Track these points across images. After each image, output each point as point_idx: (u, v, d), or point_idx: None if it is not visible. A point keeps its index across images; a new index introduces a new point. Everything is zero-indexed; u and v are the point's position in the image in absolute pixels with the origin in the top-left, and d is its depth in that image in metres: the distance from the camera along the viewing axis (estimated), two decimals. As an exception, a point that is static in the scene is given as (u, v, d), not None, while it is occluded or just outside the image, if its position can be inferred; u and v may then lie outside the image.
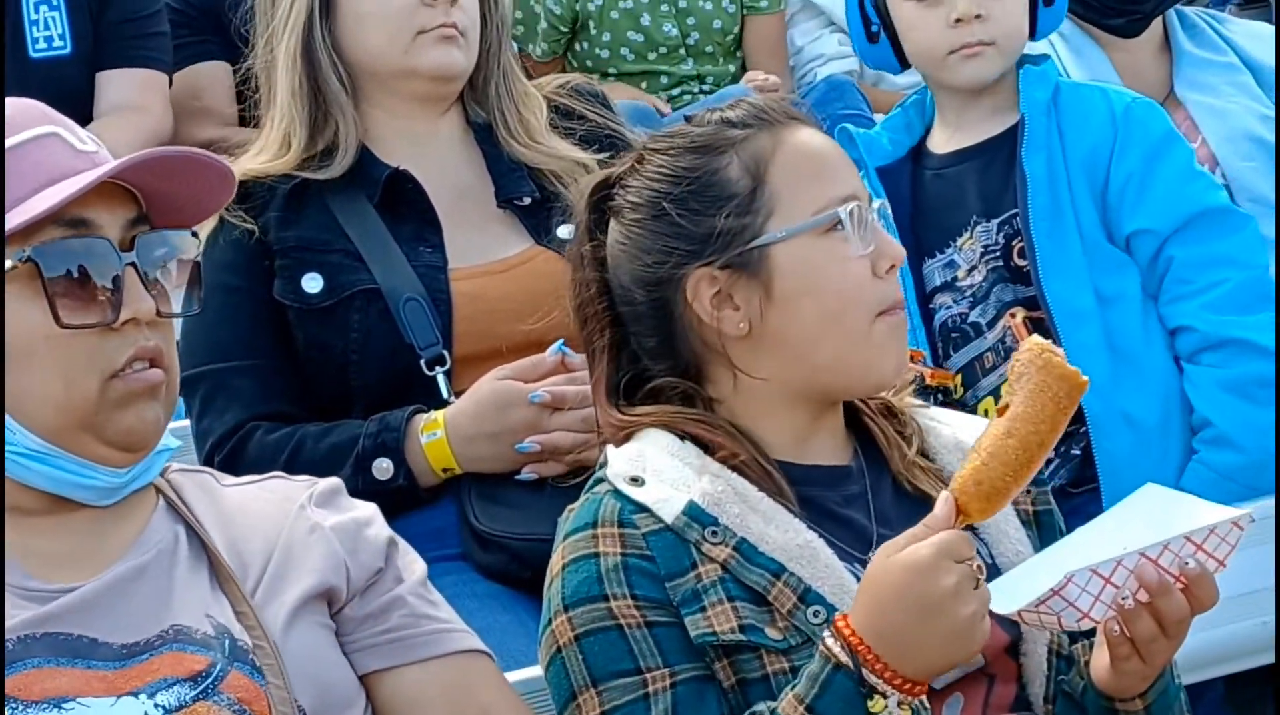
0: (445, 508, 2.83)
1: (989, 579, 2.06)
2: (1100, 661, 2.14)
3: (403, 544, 2.23)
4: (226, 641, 2.03)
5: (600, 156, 2.95)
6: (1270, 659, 2.99)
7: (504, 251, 2.93)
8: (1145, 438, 3.12)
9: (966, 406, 3.15)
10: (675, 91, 5.16)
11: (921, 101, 3.35)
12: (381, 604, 2.16)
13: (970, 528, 2.13)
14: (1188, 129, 3.70)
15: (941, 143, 3.29)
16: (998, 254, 3.19)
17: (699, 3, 5.15)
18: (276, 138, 2.95)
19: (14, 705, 1.93)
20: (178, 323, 2.31)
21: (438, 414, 2.79)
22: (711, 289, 2.21)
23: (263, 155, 2.95)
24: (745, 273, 2.20)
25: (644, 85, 5.16)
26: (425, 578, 2.23)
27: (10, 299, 2.00)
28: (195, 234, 2.13)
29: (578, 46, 5.21)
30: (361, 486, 2.70)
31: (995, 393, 3.16)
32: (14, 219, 2.00)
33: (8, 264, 2.00)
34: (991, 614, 2.03)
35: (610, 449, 2.23)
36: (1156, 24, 3.91)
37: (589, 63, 5.16)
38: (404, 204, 2.91)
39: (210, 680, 1.99)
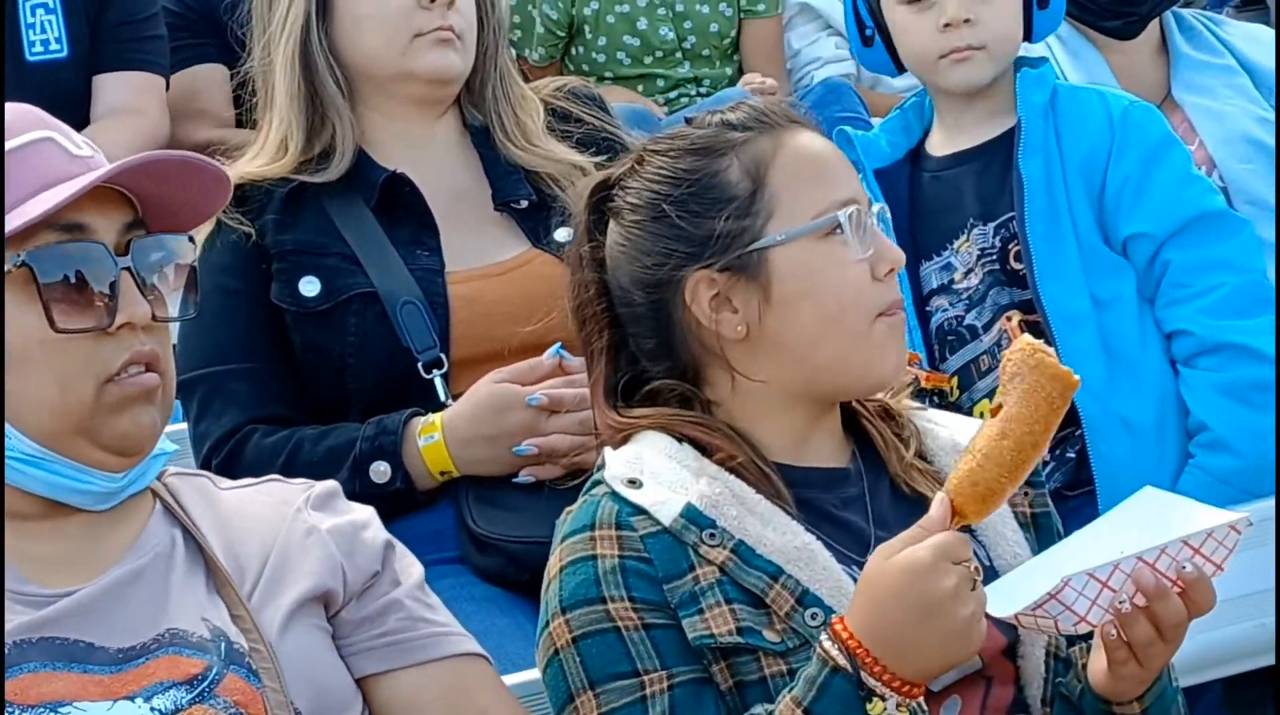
0: (443, 511, 2.83)
1: (987, 581, 2.06)
2: (1097, 665, 2.14)
3: (400, 547, 2.23)
4: (222, 645, 2.03)
5: (597, 159, 2.95)
6: (1269, 661, 2.99)
7: (501, 254, 2.93)
8: (1140, 441, 3.12)
9: (962, 409, 3.15)
10: (672, 94, 5.16)
11: (920, 104, 3.35)
12: (378, 607, 2.16)
13: (969, 530, 2.13)
14: (1185, 131, 3.70)
15: (939, 145, 3.29)
16: (994, 257, 3.19)
17: (695, 6, 5.15)
18: (274, 141, 2.95)
19: (11, 710, 1.92)
20: (174, 326, 2.31)
21: (435, 417, 2.79)
22: (710, 291, 2.21)
23: (260, 158, 2.95)
24: (744, 275, 2.20)
25: (640, 89, 5.16)
26: (422, 581, 2.22)
27: (5, 304, 2.00)
28: (192, 239, 2.13)
29: (574, 51, 5.22)
30: (359, 490, 2.70)
31: (991, 395, 3.16)
32: (9, 223, 2.00)
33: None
34: (989, 616, 2.03)
35: (608, 451, 2.23)
36: (1153, 26, 3.92)
37: (585, 67, 5.16)
38: (401, 207, 2.91)
39: (206, 684, 1.99)
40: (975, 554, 2.05)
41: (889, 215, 2.28)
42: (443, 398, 2.82)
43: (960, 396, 3.21)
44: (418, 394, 2.83)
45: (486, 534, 2.78)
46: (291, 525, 2.16)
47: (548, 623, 2.15)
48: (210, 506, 2.17)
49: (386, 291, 2.84)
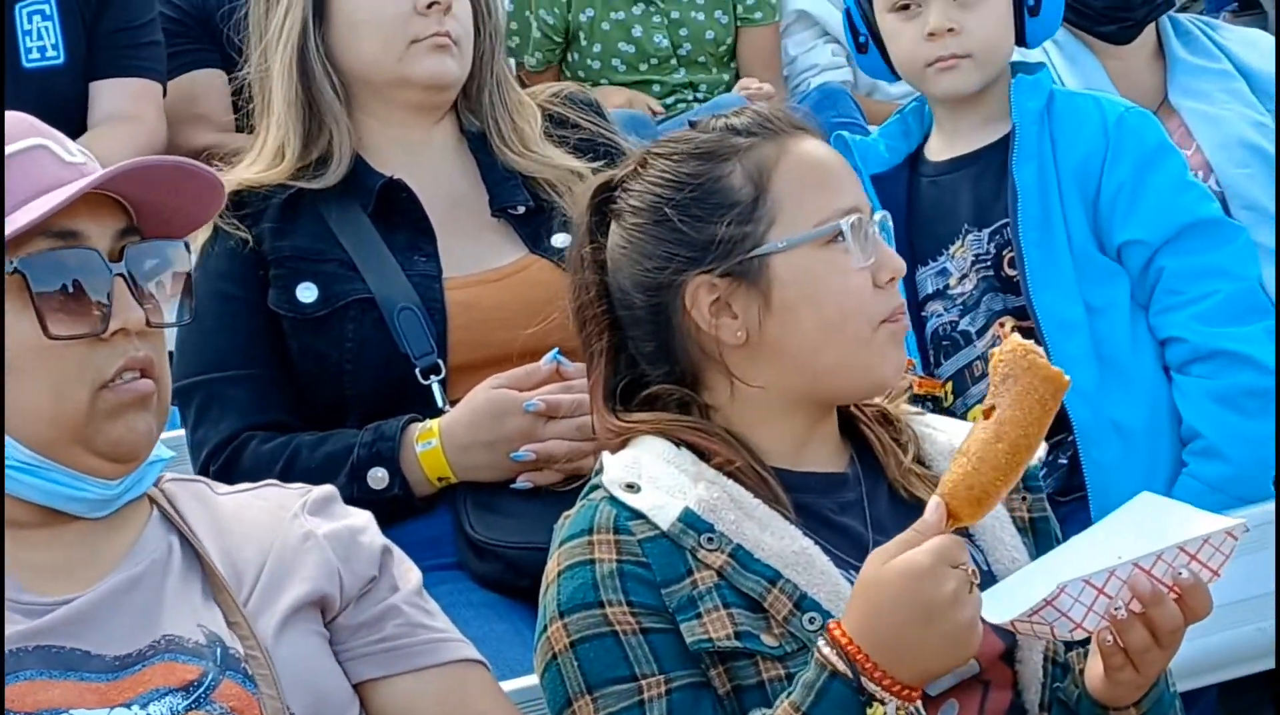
0: (440, 516, 2.83)
1: (984, 586, 2.06)
2: (1094, 670, 2.13)
3: (398, 552, 2.23)
4: (218, 650, 2.02)
5: (594, 164, 2.95)
6: (1269, 665, 2.99)
7: (498, 260, 2.92)
8: (1133, 446, 3.12)
9: (956, 415, 3.15)
10: (669, 100, 5.16)
11: (920, 109, 3.35)
12: (376, 613, 2.16)
13: (967, 534, 2.13)
14: (1182, 136, 3.71)
15: (937, 150, 3.30)
16: (988, 263, 3.19)
17: (691, 14, 5.15)
18: (271, 147, 2.95)
19: (7, 716, 1.93)
20: (171, 333, 2.30)
21: (433, 423, 2.79)
22: (710, 296, 2.21)
23: (257, 165, 2.95)
24: (745, 281, 2.20)
25: (636, 94, 5.16)
26: (420, 586, 2.22)
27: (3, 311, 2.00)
28: (187, 245, 2.13)
29: (570, 57, 5.22)
30: (357, 496, 2.70)
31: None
32: (1, 230, 2.01)
33: (-5, 275, 2.00)
34: (986, 622, 2.03)
35: (606, 456, 2.23)
36: (1150, 31, 3.92)
37: (581, 73, 5.16)
38: (398, 213, 2.91)
39: (202, 689, 1.99)
40: (973, 558, 2.05)
41: (891, 224, 2.28)
42: (440, 404, 2.82)
43: (954, 402, 3.21)
44: (415, 400, 2.83)
45: (484, 539, 2.77)
46: (288, 530, 2.16)
47: (546, 627, 2.15)
48: (207, 512, 2.16)
49: (384, 297, 2.84)
